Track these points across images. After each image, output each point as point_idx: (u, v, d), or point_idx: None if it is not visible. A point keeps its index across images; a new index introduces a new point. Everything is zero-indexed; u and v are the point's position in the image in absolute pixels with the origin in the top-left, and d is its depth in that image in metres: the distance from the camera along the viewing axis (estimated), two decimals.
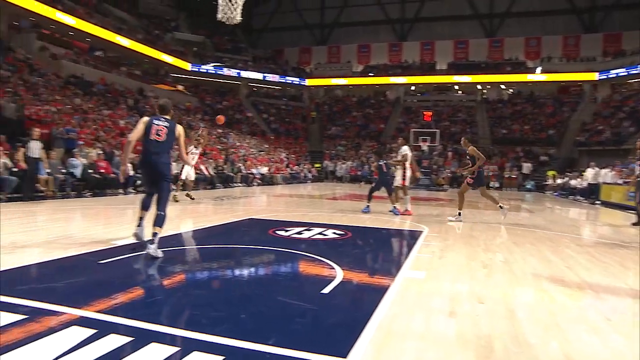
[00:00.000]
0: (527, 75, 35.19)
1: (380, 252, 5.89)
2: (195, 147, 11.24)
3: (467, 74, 36.19)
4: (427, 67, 37.84)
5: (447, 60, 37.79)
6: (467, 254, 5.45)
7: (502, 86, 37.18)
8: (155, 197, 4.90)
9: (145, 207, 4.99)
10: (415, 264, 4.79)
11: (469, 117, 34.73)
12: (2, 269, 3.88)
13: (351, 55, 40.22)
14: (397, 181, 9.86)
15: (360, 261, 5.04)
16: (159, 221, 4.70)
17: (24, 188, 10.26)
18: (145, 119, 4.83)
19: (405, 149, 9.82)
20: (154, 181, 4.83)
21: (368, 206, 9.82)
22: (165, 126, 4.81)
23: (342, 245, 5.90)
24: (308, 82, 39.36)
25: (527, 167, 26.72)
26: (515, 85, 36.78)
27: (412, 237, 6.81)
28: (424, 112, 33.75)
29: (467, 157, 8.81)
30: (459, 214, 8.82)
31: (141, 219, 5.00)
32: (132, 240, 5.19)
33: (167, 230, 6.01)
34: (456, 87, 38.23)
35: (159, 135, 4.75)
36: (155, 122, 4.80)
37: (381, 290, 3.63)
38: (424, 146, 28.17)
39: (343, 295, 3.56)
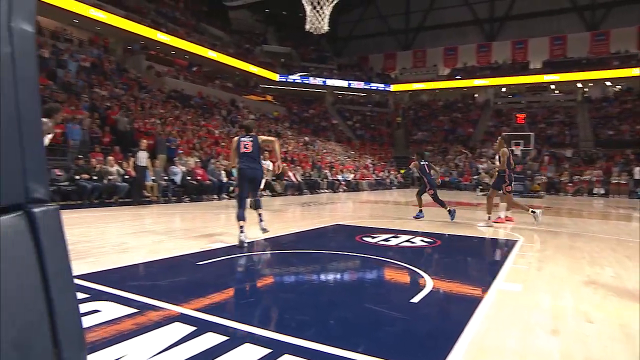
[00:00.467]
0: (639, 69, 31.57)
1: (471, 261, 5.60)
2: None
3: (565, 72, 33.42)
4: (519, 67, 35.60)
5: (542, 59, 35.24)
6: (569, 266, 4.99)
7: (608, 83, 33.77)
8: (248, 198, 5.94)
9: (242, 218, 5.69)
10: (511, 275, 4.48)
11: (567, 118, 32.05)
12: (116, 266, 4.29)
13: (437, 58, 39.15)
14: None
15: (450, 270, 4.83)
16: (259, 204, 6.09)
17: (133, 193, 11.30)
18: (235, 139, 5.96)
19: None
20: (250, 183, 5.79)
21: (421, 211, 9.50)
22: (250, 140, 5.84)
23: (431, 254, 5.71)
24: (393, 87, 39.00)
25: (639, 171, 23.93)
26: (623, 81, 33.15)
27: (506, 246, 6.40)
28: (517, 115, 31.72)
29: (497, 157, 8.62)
30: (533, 212, 8.49)
31: (242, 227, 5.62)
32: (228, 244, 5.53)
33: (257, 235, 6.26)
34: (552, 86, 35.50)
35: (246, 148, 5.77)
36: (242, 139, 5.87)
37: (474, 302, 3.44)
38: (517, 150, 26.40)
39: (433, 306, 3.42)
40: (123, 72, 21.59)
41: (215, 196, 13.86)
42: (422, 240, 6.50)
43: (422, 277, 4.22)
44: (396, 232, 7.19)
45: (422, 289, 3.76)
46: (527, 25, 35.97)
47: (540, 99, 35.18)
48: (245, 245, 5.50)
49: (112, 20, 22.24)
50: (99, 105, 15.92)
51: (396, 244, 6.14)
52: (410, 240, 6.51)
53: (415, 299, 3.47)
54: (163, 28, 25.62)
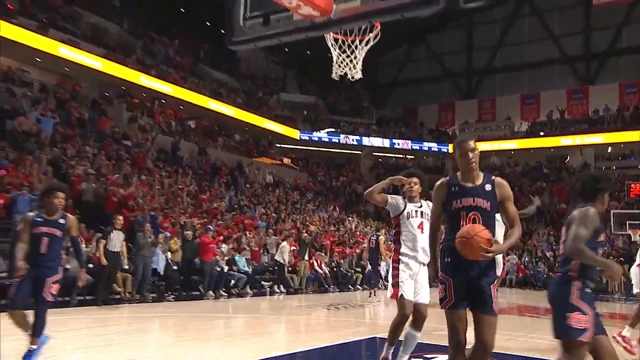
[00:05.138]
0: None
1: None
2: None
3: None
4: (630, 118, 35.05)
5: None
6: None
7: None
8: None
9: None
10: None
11: None
12: None
13: (511, 109, 39.41)
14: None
15: None
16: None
17: (99, 289, 11.20)
18: None
19: None
20: None
21: None
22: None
23: None
24: (451, 148, 39.07)
25: None
26: None
27: None
28: (631, 185, 31.01)
29: None
30: None
31: None
32: None
33: (265, 352, 6.06)
34: None
35: None
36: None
37: None
38: (636, 235, 25.58)
39: None
40: (96, 125, 22.46)
41: (211, 292, 13.72)
42: None
43: None
44: None
45: None
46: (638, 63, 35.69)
47: None
48: None
49: (86, 60, 23.40)
50: (61, 168, 16.44)
51: None
52: None
53: None
54: (151, 70, 26.94)
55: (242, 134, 33.80)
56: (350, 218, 29.92)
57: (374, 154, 39.47)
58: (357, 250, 22.19)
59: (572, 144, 35.91)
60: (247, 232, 18.05)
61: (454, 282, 3.77)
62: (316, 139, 36.56)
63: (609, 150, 36.32)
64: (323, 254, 19.87)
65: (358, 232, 27.35)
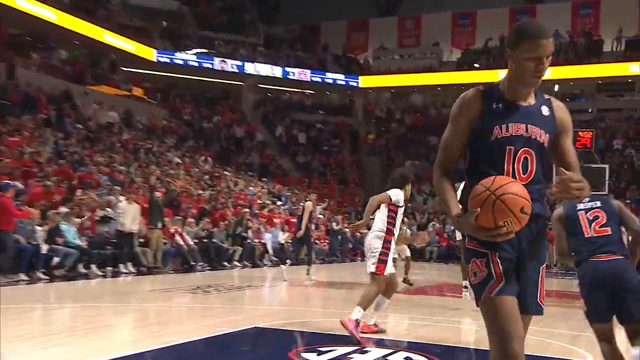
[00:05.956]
0: None
1: None
2: None
3: None
4: (584, 48, 36.85)
5: (627, 34, 36.62)
6: None
7: None
8: None
9: None
10: None
11: None
12: None
13: (440, 32, 40.45)
14: None
15: None
16: None
17: None
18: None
19: None
20: None
21: None
22: None
23: None
24: (362, 81, 39.74)
25: None
26: None
27: None
28: (578, 133, 32.93)
29: None
30: None
31: None
32: None
33: (102, 353, 5.91)
34: None
35: None
36: None
37: None
38: None
39: None
40: None
41: (23, 276, 13.18)
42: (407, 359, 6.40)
43: None
44: (364, 342, 7.08)
45: None
46: None
47: (622, 105, 36.69)
48: None
49: None
50: None
51: None
52: (387, 358, 6.43)
53: None
54: None
55: (70, 51, 32.40)
56: (227, 172, 29.79)
57: (260, 85, 39.33)
58: (237, 216, 22.23)
59: None
60: (79, 191, 17.46)
61: (499, 254, 2.92)
62: (180, 62, 36.04)
63: (556, 89, 38.09)
64: (190, 220, 19.74)
65: (238, 192, 27.34)
